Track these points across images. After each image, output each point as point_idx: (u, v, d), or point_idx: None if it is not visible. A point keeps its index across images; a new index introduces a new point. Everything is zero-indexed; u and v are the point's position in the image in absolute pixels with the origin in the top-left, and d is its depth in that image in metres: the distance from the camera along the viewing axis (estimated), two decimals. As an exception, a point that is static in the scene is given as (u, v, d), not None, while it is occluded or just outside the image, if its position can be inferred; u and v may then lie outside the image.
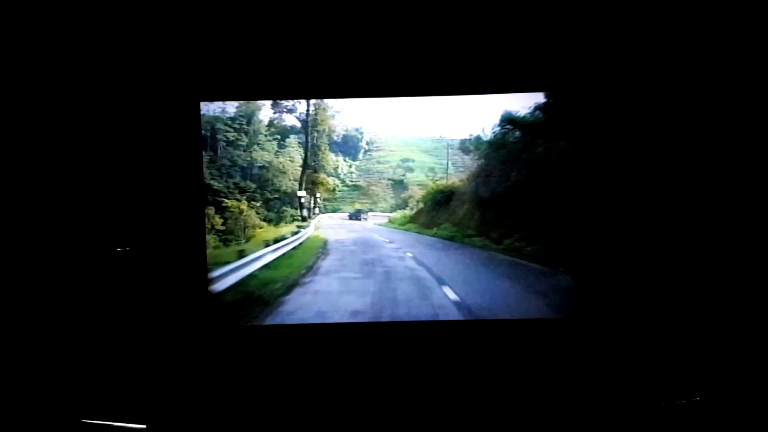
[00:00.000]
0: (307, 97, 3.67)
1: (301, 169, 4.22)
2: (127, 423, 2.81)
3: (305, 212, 4.27)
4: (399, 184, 4.28)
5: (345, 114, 3.79)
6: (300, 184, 4.22)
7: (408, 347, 3.23)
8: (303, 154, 4.21)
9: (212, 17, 3.02)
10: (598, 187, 3.19)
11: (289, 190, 4.07)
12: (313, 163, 4.27)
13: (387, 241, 4.42)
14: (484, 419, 2.92)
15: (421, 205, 4.48)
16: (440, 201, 4.40)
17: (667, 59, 3.04)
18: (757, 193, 2.98)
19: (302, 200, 4.23)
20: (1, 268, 2.97)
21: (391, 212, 4.50)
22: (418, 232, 4.58)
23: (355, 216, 4.29)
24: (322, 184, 4.30)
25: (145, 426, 2.81)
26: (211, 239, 3.49)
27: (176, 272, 3.17)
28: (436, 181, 4.18)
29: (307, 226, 4.26)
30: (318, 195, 4.31)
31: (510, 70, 3.18)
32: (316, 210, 4.35)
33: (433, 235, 4.52)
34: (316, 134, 4.18)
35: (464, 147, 4.21)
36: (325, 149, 4.27)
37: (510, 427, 2.89)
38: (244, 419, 2.96)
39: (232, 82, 3.19)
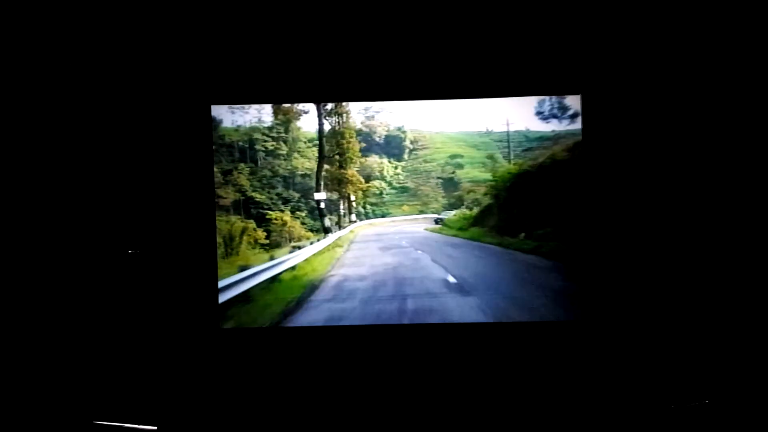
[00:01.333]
0: (321, 101, 3.33)
1: (318, 164, 3.30)
2: (139, 424, 2.83)
3: (328, 221, 3.28)
4: (449, 182, 3.51)
5: (385, 114, 3.38)
6: (317, 184, 3.28)
7: (416, 350, 3.15)
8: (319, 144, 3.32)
9: (224, 21, 3.06)
10: (607, 189, 3.16)
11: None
12: (337, 157, 3.30)
13: (450, 279, 3.32)
14: (494, 421, 2.90)
15: (488, 199, 3.19)
16: (522, 191, 3.13)
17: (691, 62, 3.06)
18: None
19: (321, 205, 3.27)
20: (17, 269, 3.05)
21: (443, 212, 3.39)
22: (497, 244, 3.27)
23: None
24: (351, 182, 3.30)
25: (156, 427, 2.82)
26: (255, 254, 3.25)
27: (186, 274, 3.17)
28: (523, 152, 3.21)
29: (305, 245, 3.34)
30: (352, 197, 3.32)
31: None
32: (353, 216, 3.35)
33: (529, 249, 3.18)
34: (336, 117, 3.23)
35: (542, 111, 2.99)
36: (351, 137, 3.27)
37: (520, 428, 2.88)
38: (255, 421, 2.95)
39: (243, 85, 3.19)
